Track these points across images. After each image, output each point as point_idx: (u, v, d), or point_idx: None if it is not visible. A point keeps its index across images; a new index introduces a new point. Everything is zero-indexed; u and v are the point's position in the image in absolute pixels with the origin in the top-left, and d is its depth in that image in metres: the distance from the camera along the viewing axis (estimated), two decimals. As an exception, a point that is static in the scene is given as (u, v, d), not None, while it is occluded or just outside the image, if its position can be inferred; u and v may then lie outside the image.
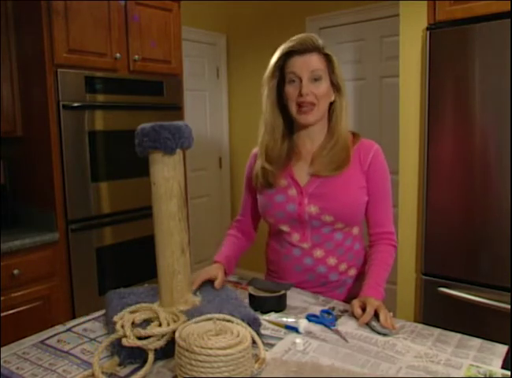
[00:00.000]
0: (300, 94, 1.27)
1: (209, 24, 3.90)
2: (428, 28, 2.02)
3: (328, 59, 1.31)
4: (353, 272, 1.40)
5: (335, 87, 1.33)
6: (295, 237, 1.36)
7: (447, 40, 1.97)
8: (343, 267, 1.37)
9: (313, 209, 1.32)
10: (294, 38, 1.31)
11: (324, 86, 1.29)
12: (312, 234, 1.35)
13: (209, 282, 1.25)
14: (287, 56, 1.31)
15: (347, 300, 1.32)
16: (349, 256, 1.38)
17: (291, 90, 1.30)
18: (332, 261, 1.35)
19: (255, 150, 1.46)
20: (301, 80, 1.28)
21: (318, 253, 1.35)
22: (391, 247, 1.37)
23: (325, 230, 1.34)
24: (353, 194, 1.32)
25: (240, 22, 3.97)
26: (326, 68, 1.30)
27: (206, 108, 4.01)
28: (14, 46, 2.37)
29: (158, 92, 2.74)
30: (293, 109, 1.31)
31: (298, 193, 1.34)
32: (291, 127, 1.40)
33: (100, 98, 2.47)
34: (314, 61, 1.28)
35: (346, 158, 1.33)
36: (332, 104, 1.35)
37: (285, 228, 1.37)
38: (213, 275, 1.27)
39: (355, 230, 1.39)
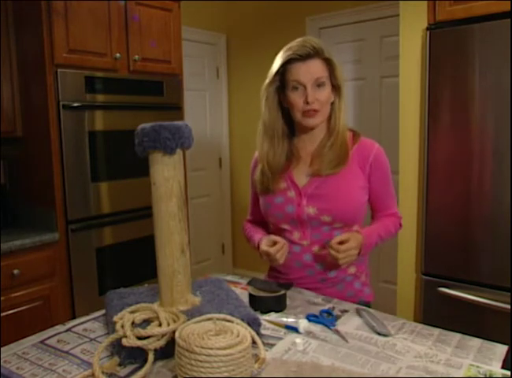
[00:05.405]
0: (306, 102, 1.28)
1: (209, 24, 3.90)
2: (428, 28, 2.02)
3: (328, 63, 1.31)
4: (352, 270, 1.40)
5: (336, 89, 1.34)
6: (296, 235, 1.38)
7: (447, 40, 1.98)
8: None
9: (311, 210, 1.33)
10: (293, 44, 1.29)
11: (327, 91, 1.31)
12: (312, 232, 1.36)
13: (209, 282, 1.25)
14: (287, 62, 1.30)
15: (348, 298, 1.33)
16: None
17: (296, 98, 1.30)
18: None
19: (257, 152, 1.46)
20: (305, 88, 1.28)
21: (317, 250, 1.36)
22: (396, 219, 1.44)
23: (325, 229, 1.35)
24: (352, 195, 1.34)
25: (240, 22, 3.97)
26: (328, 73, 1.31)
27: (206, 108, 4.01)
28: (14, 46, 2.37)
29: (158, 92, 2.74)
30: (298, 115, 1.32)
31: (296, 195, 1.36)
32: (290, 128, 1.41)
33: (100, 98, 2.47)
34: (317, 68, 1.28)
35: (345, 155, 1.34)
36: (331, 104, 1.36)
37: (286, 227, 1.39)
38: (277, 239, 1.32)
39: (355, 228, 1.40)
